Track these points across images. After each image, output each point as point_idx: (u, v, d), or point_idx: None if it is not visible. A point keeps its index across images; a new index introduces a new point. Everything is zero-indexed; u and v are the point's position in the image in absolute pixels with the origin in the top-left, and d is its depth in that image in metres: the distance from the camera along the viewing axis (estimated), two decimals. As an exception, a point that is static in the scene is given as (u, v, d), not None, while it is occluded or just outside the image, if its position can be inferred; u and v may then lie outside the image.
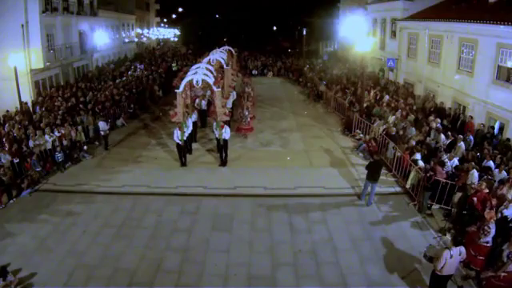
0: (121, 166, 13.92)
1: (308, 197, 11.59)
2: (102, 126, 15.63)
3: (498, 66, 13.83)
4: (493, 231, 7.90)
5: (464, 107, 15.90)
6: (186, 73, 16.26)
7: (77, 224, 10.17)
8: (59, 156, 13.33)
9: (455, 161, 11.50)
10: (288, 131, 17.83)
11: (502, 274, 7.12)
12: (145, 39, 44.13)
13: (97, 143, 16.09)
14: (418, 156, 11.90)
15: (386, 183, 12.41)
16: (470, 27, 15.25)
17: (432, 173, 10.39)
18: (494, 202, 8.80)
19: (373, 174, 10.93)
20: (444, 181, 10.46)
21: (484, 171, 10.49)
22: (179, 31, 59.58)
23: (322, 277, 8.24)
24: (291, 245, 9.29)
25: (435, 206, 10.74)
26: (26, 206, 11.12)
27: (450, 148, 12.54)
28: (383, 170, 13.31)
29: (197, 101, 17.40)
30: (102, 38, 28.13)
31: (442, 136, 13.17)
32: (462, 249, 7.11)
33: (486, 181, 9.70)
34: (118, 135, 17.26)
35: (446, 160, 11.26)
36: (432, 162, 11.23)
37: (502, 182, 9.62)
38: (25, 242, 9.39)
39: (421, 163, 11.45)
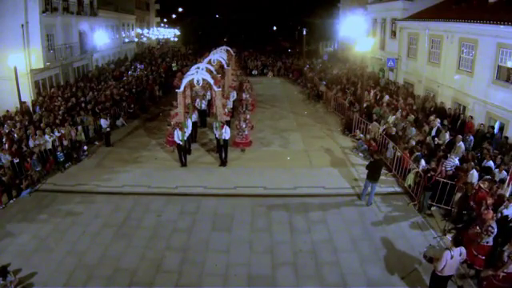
0: (121, 166, 13.92)
1: (308, 197, 11.60)
2: (103, 123, 15.74)
3: (498, 65, 13.82)
4: (495, 231, 7.92)
5: (464, 107, 15.90)
6: (185, 73, 16.23)
7: (77, 224, 10.17)
8: (61, 155, 13.36)
9: (456, 161, 11.50)
10: (288, 131, 17.83)
11: (502, 274, 7.12)
12: (145, 39, 44.12)
13: (97, 143, 16.11)
14: (419, 155, 11.89)
15: (386, 183, 12.42)
16: (470, 27, 15.25)
17: (433, 173, 10.38)
18: (490, 201, 8.79)
19: (373, 174, 10.93)
20: (444, 181, 10.46)
21: (485, 171, 10.48)
22: (179, 31, 59.55)
23: (322, 277, 8.24)
24: (291, 245, 9.29)
25: (434, 207, 10.74)
26: (26, 206, 11.11)
27: (449, 148, 12.53)
28: (383, 170, 13.34)
29: (196, 101, 17.37)
30: (102, 38, 28.13)
31: (447, 135, 13.17)
32: (463, 249, 7.11)
33: (488, 181, 9.71)
34: (118, 135, 17.26)
35: (453, 157, 11.29)
36: (432, 163, 11.24)
37: (502, 182, 9.62)
38: (25, 242, 9.39)
39: (422, 162, 11.45)
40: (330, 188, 12.14)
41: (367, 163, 11.62)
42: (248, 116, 15.92)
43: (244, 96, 19.11)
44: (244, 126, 15.19)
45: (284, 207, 11.00)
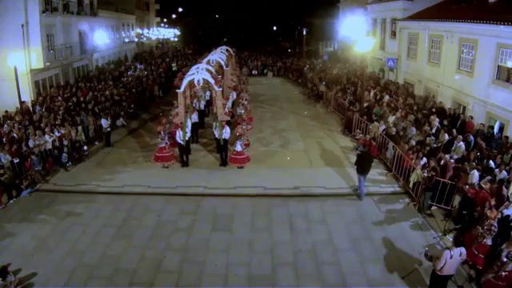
0: (121, 166, 13.93)
1: (308, 197, 11.60)
2: (104, 123, 15.77)
3: (498, 66, 13.83)
4: (497, 230, 7.94)
5: (464, 107, 15.91)
6: (185, 73, 16.09)
7: (77, 224, 10.17)
8: (64, 156, 13.39)
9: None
10: (288, 131, 17.83)
11: (503, 274, 7.13)
12: (145, 39, 44.11)
13: (97, 143, 16.11)
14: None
15: (386, 183, 12.43)
16: (470, 27, 15.25)
17: (434, 173, 10.37)
18: (493, 201, 8.80)
19: (362, 167, 11.16)
20: (444, 181, 10.46)
21: (487, 172, 10.47)
22: (179, 31, 59.56)
23: (322, 277, 8.23)
24: (291, 245, 9.28)
25: (434, 207, 10.74)
26: (26, 206, 11.11)
27: (448, 147, 12.53)
28: (383, 170, 13.37)
29: (195, 101, 17.26)
30: (101, 37, 28.12)
31: (446, 135, 13.18)
32: (463, 249, 7.11)
33: (489, 181, 9.71)
34: (118, 135, 17.26)
35: (451, 160, 11.31)
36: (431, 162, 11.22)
37: (501, 182, 9.62)
38: (25, 242, 9.39)
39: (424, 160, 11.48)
40: (329, 188, 12.14)
41: (356, 158, 11.86)
42: (245, 135, 13.97)
43: (238, 111, 16.03)
44: (239, 145, 13.46)
45: (284, 207, 10.99)
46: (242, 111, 15.82)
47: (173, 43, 55.50)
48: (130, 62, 33.44)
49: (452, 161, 11.18)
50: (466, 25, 15.51)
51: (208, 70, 14.84)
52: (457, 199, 10.24)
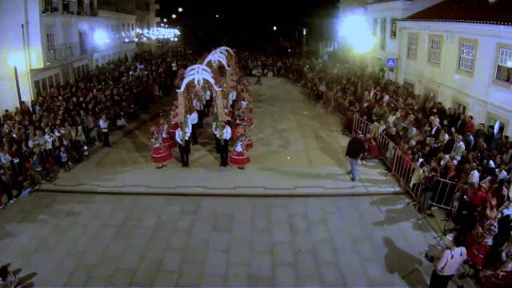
0: (121, 166, 13.93)
1: (308, 197, 11.60)
2: (101, 123, 15.76)
3: (498, 65, 13.81)
4: (497, 230, 7.94)
5: (464, 107, 15.90)
6: (184, 73, 16.05)
7: (77, 224, 10.18)
8: (63, 156, 13.38)
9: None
10: (288, 131, 17.83)
11: (501, 273, 7.13)
12: (145, 39, 44.10)
13: (97, 143, 16.11)
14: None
15: (386, 183, 12.43)
16: (470, 27, 15.24)
17: (434, 173, 10.36)
18: (494, 202, 8.80)
19: (353, 150, 12.32)
20: (444, 181, 10.45)
21: (487, 172, 10.46)
22: (179, 31, 59.55)
23: (322, 277, 8.23)
24: (291, 245, 9.28)
25: (434, 207, 10.74)
26: (26, 206, 11.12)
27: (448, 147, 12.52)
28: (383, 170, 13.38)
29: (195, 101, 17.24)
30: (102, 37, 28.11)
31: (446, 135, 13.18)
32: (463, 249, 7.11)
33: (489, 181, 9.71)
34: (117, 135, 17.26)
35: (454, 161, 11.31)
36: (432, 162, 11.22)
37: (501, 182, 9.62)
38: (25, 242, 9.40)
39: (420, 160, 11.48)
40: (329, 188, 12.15)
41: (348, 142, 13.07)
42: (245, 135, 13.87)
43: (240, 115, 15.74)
44: (239, 146, 13.30)
45: (284, 207, 11.00)
46: (240, 115, 15.45)
47: (173, 43, 55.42)
48: (130, 61, 33.42)
49: (455, 162, 11.16)
50: (466, 25, 15.50)
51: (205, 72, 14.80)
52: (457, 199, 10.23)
